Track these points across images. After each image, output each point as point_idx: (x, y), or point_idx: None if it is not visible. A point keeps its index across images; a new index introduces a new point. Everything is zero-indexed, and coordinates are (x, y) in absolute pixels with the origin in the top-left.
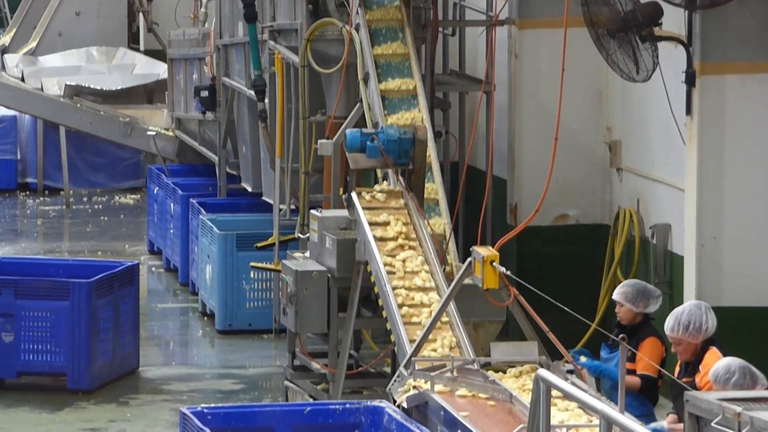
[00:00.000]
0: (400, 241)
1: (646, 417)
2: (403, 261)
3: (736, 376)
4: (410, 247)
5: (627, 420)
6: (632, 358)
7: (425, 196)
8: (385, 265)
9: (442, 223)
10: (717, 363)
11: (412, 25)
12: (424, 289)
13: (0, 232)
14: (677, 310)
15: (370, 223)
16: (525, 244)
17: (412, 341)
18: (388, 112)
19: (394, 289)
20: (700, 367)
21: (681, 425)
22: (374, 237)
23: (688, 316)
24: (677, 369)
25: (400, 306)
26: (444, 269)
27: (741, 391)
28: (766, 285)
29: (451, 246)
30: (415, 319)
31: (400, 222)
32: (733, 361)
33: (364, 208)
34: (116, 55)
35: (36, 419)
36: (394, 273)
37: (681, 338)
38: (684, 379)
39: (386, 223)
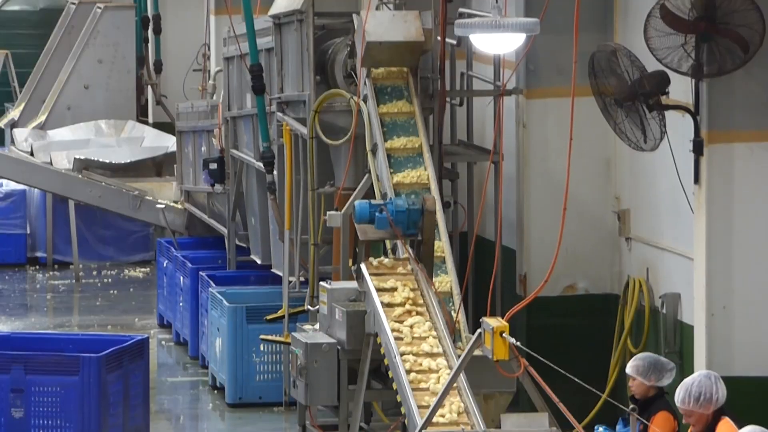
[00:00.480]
0: (407, 306)
1: None
2: (411, 327)
3: None
4: (418, 313)
5: None
6: None
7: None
8: (393, 330)
9: (448, 280)
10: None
11: (419, 94)
12: (432, 355)
13: (10, 306)
14: (687, 381)
15: (378, 289)
16: (534, 315)
17: (421, 407)
18: (394, 170)
19: (402, 354)
20: None
21: None
22: (382, 303)
23: (699, 387)
24: None
25: (408, 372)
26: (454, 340)
27: None
28: None
29: (461, 317)
30: (423, 385)
31: (408, 288)
32: (754, 429)
33: (371, 274)
34: (125, 128)
35: None
36: (401, 339)
37: (692, 410)
38: None
39: (393, 289)
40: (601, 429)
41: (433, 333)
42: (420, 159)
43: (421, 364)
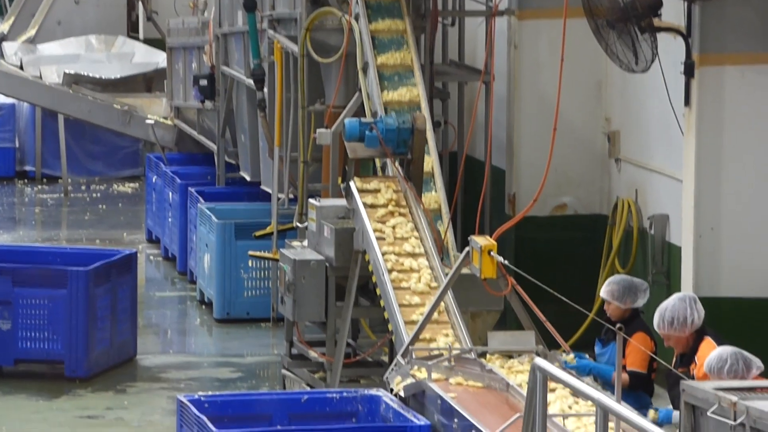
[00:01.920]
0: (390, 208)
1: (643, 411)
2: (393, 227)
3: (729, 363)
4: (400, 214)
5: (623, 408)
6: (622, 354)
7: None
8: (375, 231)
9: (438, 198)
10: (709, 355)
11: (411, 13)
12: (413, 255)
13: None
14: (662, 305)
15: (360, 191)
16: (523, 234)
17: (408, 323)
18: (385, 88)
19: (383, 254)
20: (696, 358)
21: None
22: (364, 204)
23: (672, 311)
24: (674, 360)
25: (390, 271)
26: (442, 257)
27: (737, 380)
28: (763, 276)
29: (449, 235)
30: (404, 285)
31: (391, 189)
32: (724, 350)
33: (360, 191)
34: (115, 43)
35: (33, 407)
36: (383, 239)
37: (668, 334)
38: (680, 370)
39: (377, 191)
40: (571, 358)
41: (415, 234)
42: (411, 76)
43: (402, 264)
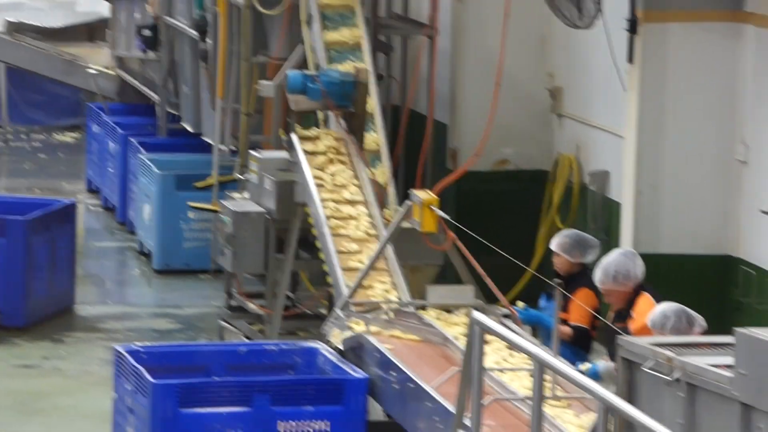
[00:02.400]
0: (329, 155)
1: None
2: (333, 175)
3: (673, 320)
4: (340, 162)
5: (559, 363)
6: (566, 309)
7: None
8: (315, 178)
9: (383, 168)
10: (653, 310)
11: None
12: (352, 203)
13: None
14: (604, 260)
15: (301, 138)
16: (464, 189)
17: (346, 270)
18: (329, 29)
19: (322, 201)
20: (633, 313)
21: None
22: (304, 151)
23: (615, 266)
24: (611, 316)
25: (328, 218)
26: (383, 212)
27: (674, 336)
28: (702, 233)
29: (391, 189)
30: (342, 231)
31: (331, 137)
32: (668, 306)
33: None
34: None
35: None
36: (323, 186)
37: (611, 288)
38: (617, 325)
39: (316, 138)
40: (519, 304)
41: (354, 182)
42: (353, 16)
43: (341, 211)
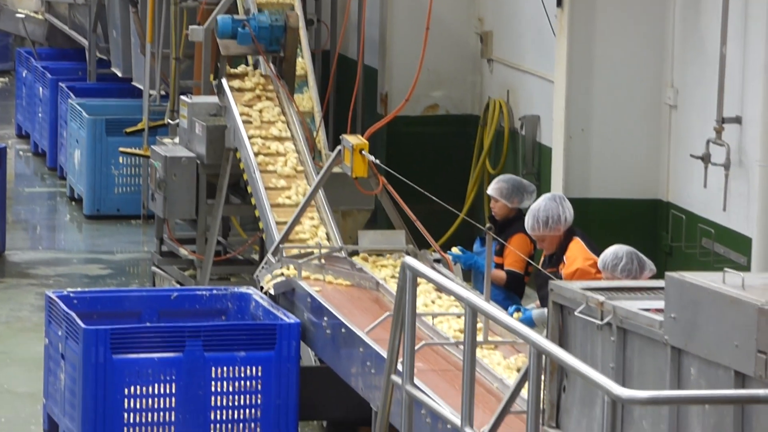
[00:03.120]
0: (257, 92)
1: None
2: (260, 111)
3: (624, 261)
4: (267, 98)
5: (491, 307)
6: (500, 253)
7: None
8: (242, 114)
9: (310, 98)
10: (605, 251)
11: None
12: (280, 139)
13: None
14: (533, 207)
15: (229, 75)
16: (395, 134)
17: (274, 206)
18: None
19: (250, 138)
20: (564, 258)
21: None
22: (231, 88)
23: (545, 211)
24: (542, 261)
25: (256, 155)
26: (313, 156)
27: (623, 278)
28: (632, 177)
29: (321, 134)
30: (270, 168)
31: (258, 74)
32: (620, 248)
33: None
34: None
35: None
36: (250, 123)
37: (543, 234)
38: (549, 270)
39: (244, 74)
40: (456, 249)
41: (282, 118)
42: None
43: (269, 148)
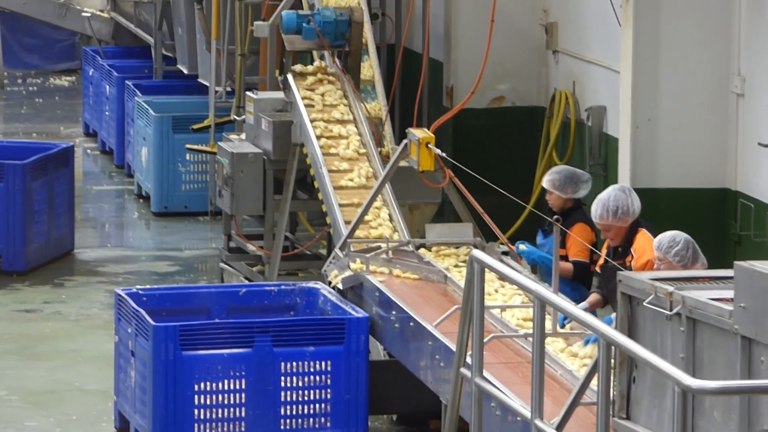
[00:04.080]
0: (319, 75)
1: (580, 302)
2: (322, 95)
3: (680, 246)
4: (329, 82)
5: (560, 300)
6: (563, 245)
7: (362, 78)
8: (304, 98)
9: (378, 106)
10: (662, 234)
11: None
12: (342, 122)
13: None
14: (602, 196)
15: (295, 73)
16: (461, 127)
17: (338, 188)
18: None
19: (312, 121)
20: (632, 250)
21: (599, 301)
22: (293, 72)
23: (615, 201)
24: (604, 252)
25: (318, 138)
26: (380, 150)
27: (676, 263)
28: (699, 166)
29: (387, 128)
30: (333, 150)
31: (317, 57)
32: (679, 233)
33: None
34: None
35: None
36: (312, 106)
37: (610, 224)
38: (617, 262)
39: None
40: (522, 246)
41: (344, 101)
42: None
43: (331, 131)
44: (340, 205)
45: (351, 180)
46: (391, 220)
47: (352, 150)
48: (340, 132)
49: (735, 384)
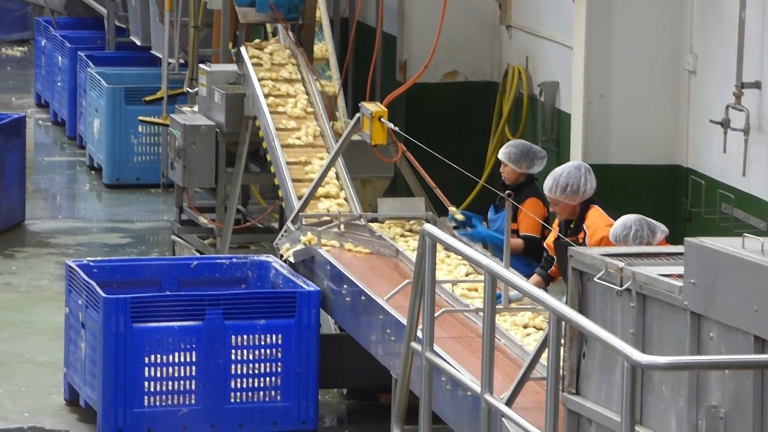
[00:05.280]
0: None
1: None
2: (271, 54)
3: (634, 229)
4: (276, 42)
5: (511, 274)
6: (515, 220)
7: (315, 55)
8: (252, 57)
9: (332, 84)
10: (614, 225)
11: None
12: (290, 81)
13: None
14: (556, 170)
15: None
16: (414, 101)
17: (285, 146)
18: None
19: (260, 80)
20: (584, 226)
21: (540, 283)
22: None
23: (567, 177)
24: (555, 227)
25: (266, 96)
26: (332, 124)
27: (637, 246)
28: (651, 143)
29: (340, 102)
30: (280, 109)
31: (272, 32)
32: (627, 218)
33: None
34: None
35: None
36: (260, 65)
37: (558, 199)
38: (569, 238)
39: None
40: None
41: (293, 60)
42: None
43: (279, 89)
44: (288, 164)
45: (298, 138)
46: (343, 193)
47: (300, 109)
48: (288, 91)
49: (684, 360)
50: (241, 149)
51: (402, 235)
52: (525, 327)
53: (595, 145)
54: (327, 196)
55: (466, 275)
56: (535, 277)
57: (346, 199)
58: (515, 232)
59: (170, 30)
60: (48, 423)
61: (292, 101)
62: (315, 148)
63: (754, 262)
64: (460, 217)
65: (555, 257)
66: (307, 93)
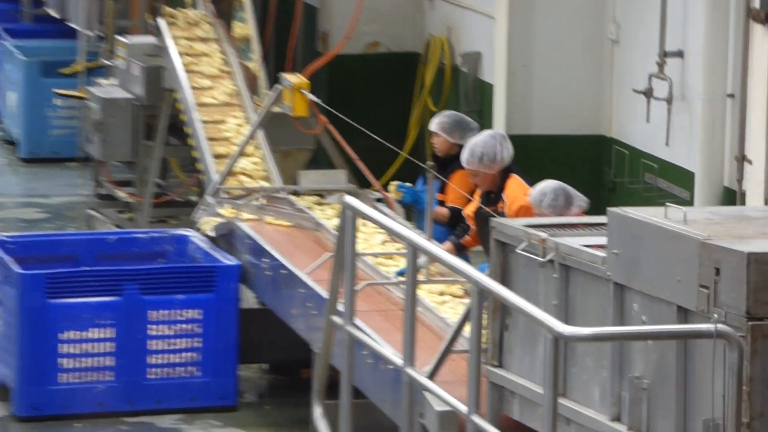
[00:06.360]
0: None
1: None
2: (184, 12)
3: (550, 197)
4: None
5: (432, 246)
6: (443, 191)
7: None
8: (167, 15)
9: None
10: (534, 188)
11: None
12: (205, 40)
13: None
14: (471, 141)
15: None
16: (335, 72)
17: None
18: None
19: (174, 38)
20: (503, 196)
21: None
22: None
23: (482, 147)
24: (477, 198)
25: (182, 55)
26: (253, 98)
27: (552, 214)
28: (574, 113)
29: (261, 74)
30: (195, 68)
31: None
32: (547, 184)
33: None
34: None
35: None
36: (175, 24)
37: (476, 170)
38: (489, 208)
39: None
40: (395, 183)
41: (207, 19)
42: None
43: (194, 48)
44: (203, 122)
45: (213, 98)
46: (263, 165)
47: (215, 68)
48: (203, 50)
49: (607, 331)
50: (160, 122)
51: (318, 204)
52: (441, 294)
53: (518, 115)
54: (244, 173)
55: (383, 243)
56: (447, 244)
57: (266, 172)
58: (442, 203)
59: (88, 1)
60: None
61: (206, 60)
62: (230, 107)
63: (677, 231)
64: (397, 195)
65: (472, 227)
66: (223, 52)
